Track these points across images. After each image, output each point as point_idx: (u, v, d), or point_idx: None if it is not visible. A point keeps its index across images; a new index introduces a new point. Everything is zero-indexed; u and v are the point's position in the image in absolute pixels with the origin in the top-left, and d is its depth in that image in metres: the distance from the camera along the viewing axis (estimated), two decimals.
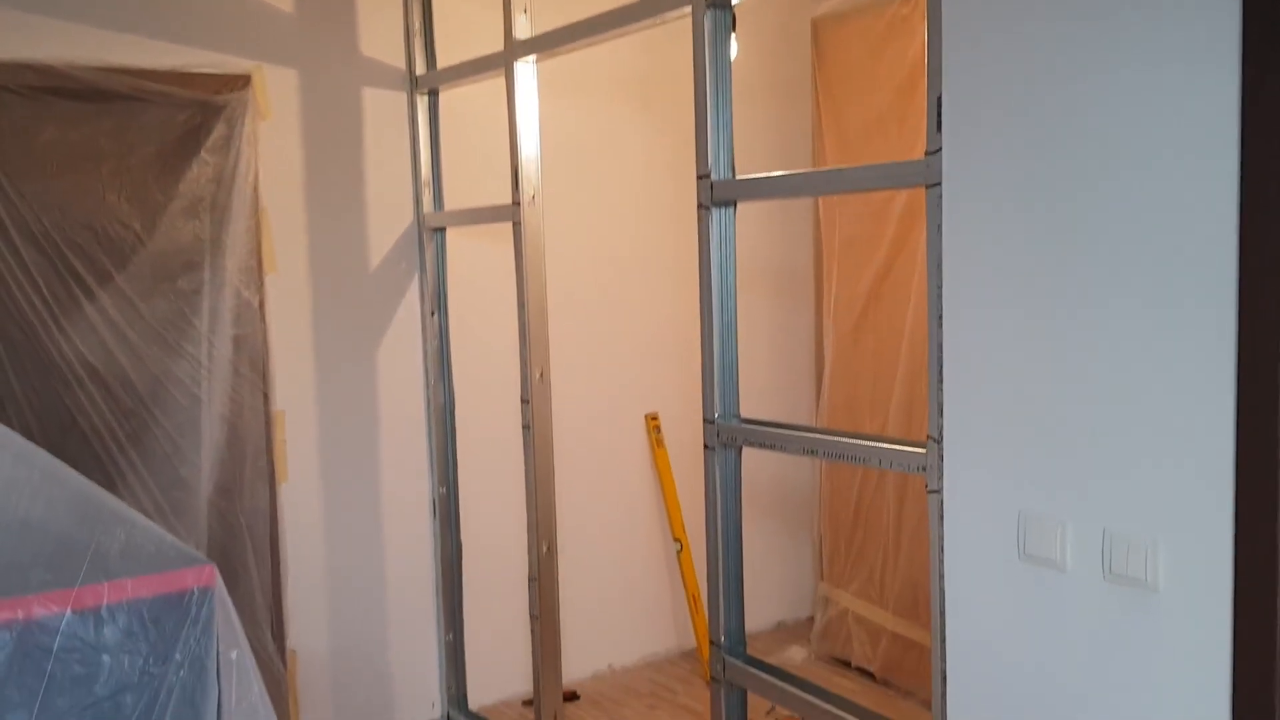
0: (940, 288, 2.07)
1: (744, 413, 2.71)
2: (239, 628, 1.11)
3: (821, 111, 4.38)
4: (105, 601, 1.00)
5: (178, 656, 1.03)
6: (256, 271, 3.55)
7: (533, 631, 3.51)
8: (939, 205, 2.05)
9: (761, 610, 4.81)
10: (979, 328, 2.01)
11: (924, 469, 2.16)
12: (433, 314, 3.93)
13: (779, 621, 4.93)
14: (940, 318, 2.07)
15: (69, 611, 0.97)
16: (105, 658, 1.00)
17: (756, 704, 3.74)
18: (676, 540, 4.51)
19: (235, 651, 1.10)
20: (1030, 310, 1.91)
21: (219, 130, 3.43)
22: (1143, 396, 1.74)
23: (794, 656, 4.49)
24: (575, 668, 4.31)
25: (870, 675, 4.25)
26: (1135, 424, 1.76)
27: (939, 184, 2.05)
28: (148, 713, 1.00)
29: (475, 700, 4.08)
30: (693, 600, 4.48)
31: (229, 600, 1.11)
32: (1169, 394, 1.71)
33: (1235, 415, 1.64)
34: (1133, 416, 1.76)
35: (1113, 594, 1.80)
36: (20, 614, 0.94)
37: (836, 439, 2.45)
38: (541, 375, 3.40)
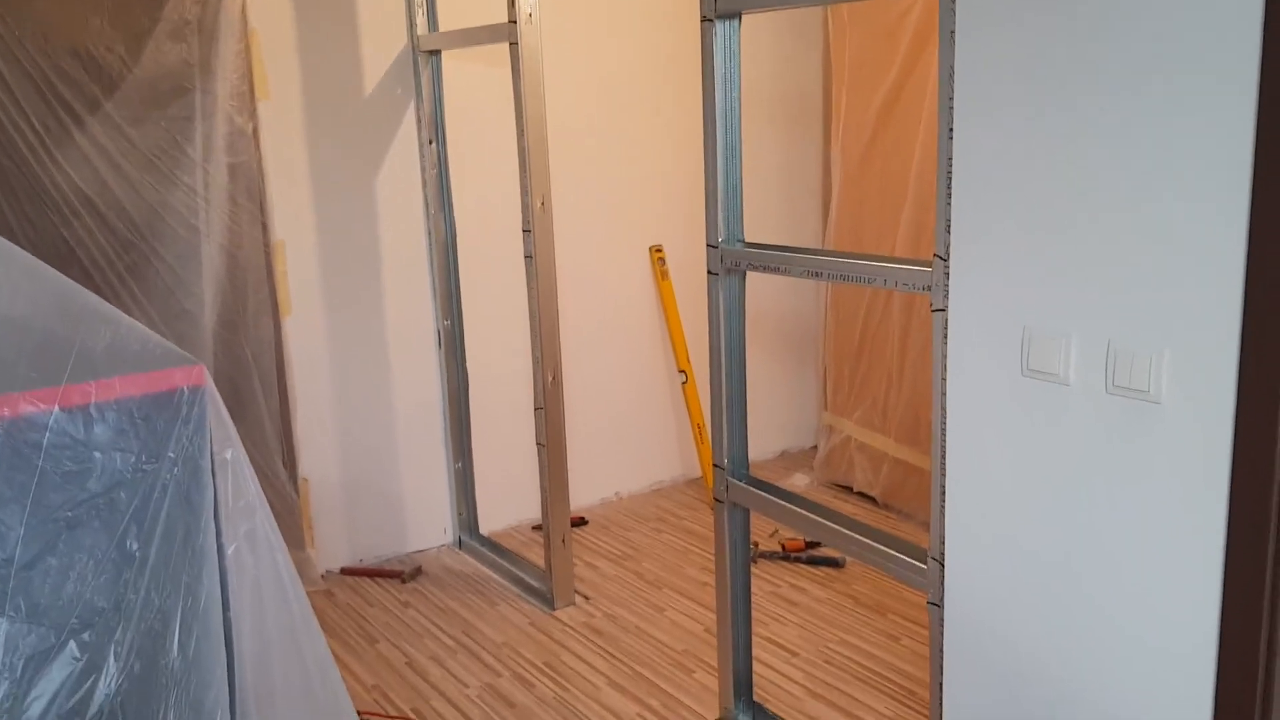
0: (951, 99, 2.00)
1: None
2: (232, 428, 1.11)
3: None
4: (94, 399, 0.99)
5: (171, 455, 1.03)
6: (249, 97, 3.46)
7: (540, 458, 3.56)
8: (952, 9, 1.96)
9: (766, 440, 4.88)
10: (989, 141, 1.95)
11: (929, 288, 2.13)
12: (431, 142, 3.85)
13: (783, 451, 5.00)
14: (950, 130, 2.01)
15: (57, 408, 0.96)
16: (97, 455, 1.00)
17: (760, 528, 3.82)
18: (681, 371, 4.53)
19: (230, 451, 1.10)
20: (1041, 122, 1.84)
21: None
22: (1153, 207, 1.70)
23: (797, 483, 4.57)
24: (583, 495, 4.39)
25: (872, 500, 4.34)
26: (1145, 235, 1.72)
27: None
28: (143, 509, 1.01)
29: (486, 526, 4.18)
30: (698, 430, 4.54)
31: (220, 401, 1.10)
32: (1180, 205, 1.67)
33: (1248, 225, 1.60)
34: (1142, 228, 1.72)
35: (1115, 407, 1.80)
36: (7, 411, 0.94)
37: (841, 259, 2.41)
38: (543, 204, 3.35)
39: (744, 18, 2.56)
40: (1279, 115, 1.54)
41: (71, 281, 1.04)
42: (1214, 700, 1.74)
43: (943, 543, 2.17)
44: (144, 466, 1.02)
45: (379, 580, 3.84)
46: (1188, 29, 1.62)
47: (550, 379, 3.47)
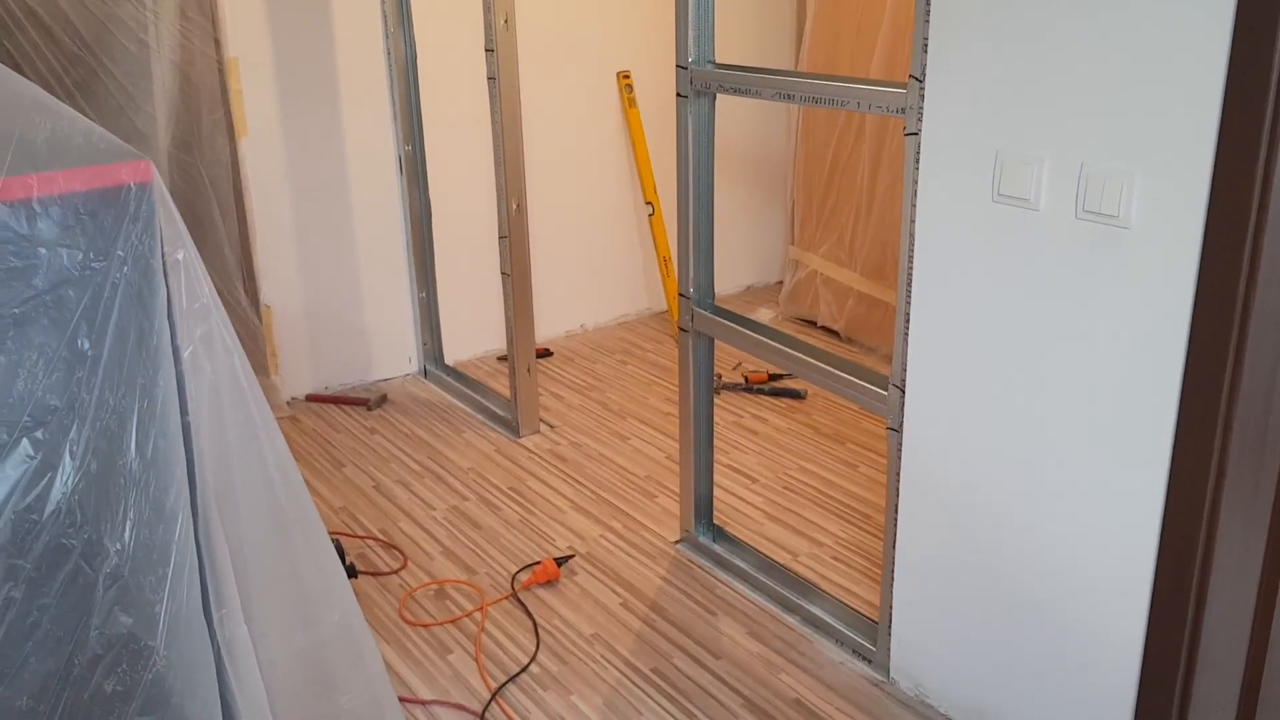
0: None
1: None
2: (183, 228, 1.07)
3: None
4: (36, 194, 0.95)
5: (120, 253, 0.99)
6: None
7: (505, 288, 3.53)
8: None
9: (732, 275, 4.87)
10: None
11: (903, 110, 2.09)
12: None
13: (748, 286, 5.00)
14: None
15: None
16: (42, 251, 0.96)
17: (724, 362, 3.85)
18: (648, 203, 4.48)
19: (182, 252, 1.06)
20: None
21: None
22: (1133, 28, 1.66)
23: (762, 316, 4.58)
24: (549, 328, 4.39)
25: (835, 334, 4.36)
26: (1123, 57, 1.68)
27: None
28: (93, 308, 0.98)
29: (451, 356, 4.18)
30: (664, 263, 4.51)
31: (169, 199, 1.06)
32: (1160, 28, 1.62)
33: (1229, 47, 1.56)
34: (1121, 49, 1.68)
35: (1084, 231, 1.79)
36: None
37: (815, 81, 2.35)
38: (507, 22, 3.23)
39: None
40: None
41: (5, 68, 0.99)
42: (1160, 524, 1.79)
43: (904, 369, 2.19)
44: (92, 264, 0.98)
45: (344, 407, 3.85)
46: None
47: (515, 207, 3.41)
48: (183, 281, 1.07)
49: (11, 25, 3.08)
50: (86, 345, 0.99)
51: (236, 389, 1.14)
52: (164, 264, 1.05)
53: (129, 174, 1.00)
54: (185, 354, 1.09)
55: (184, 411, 1.11)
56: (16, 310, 0.95)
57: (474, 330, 4.24)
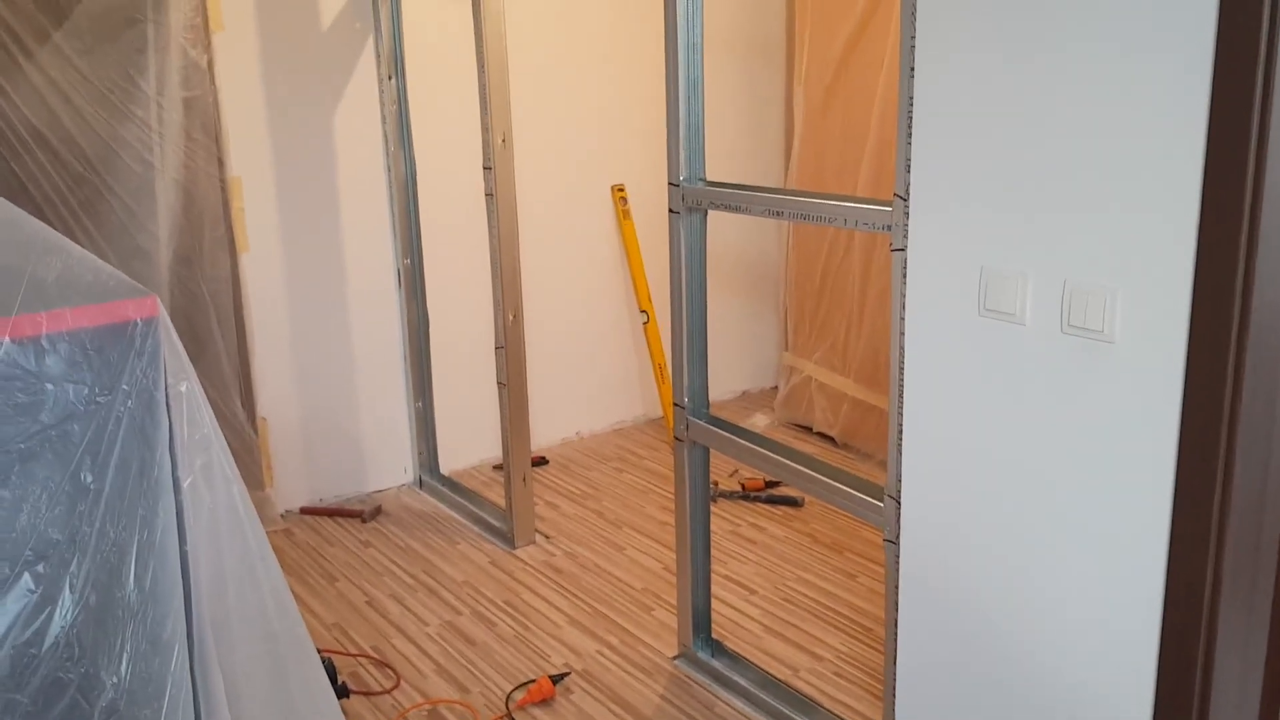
0: (913, 38, 1.99)
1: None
2: (186, 360, 1.10)
3: None
4: (45, 331, 0.98)
5: (125, 387, 1.02)
6: (203, 30, 3.38)
7: (501, 398, 3.56)
8: None
9: (727, 380, 4.90)
10: (950, 80, 1.94)
11: (889, 227, 2.14)
12: (390, 77, 3.78)
13: (743, 391, 5.03)
14: (912, 69, 2.01)
15: (7, 340, 0.95)
16: (49, 386, 0.98)
17: (720, 468, 3.86)
18: (643, 311, 4.53)
19: (184, 384, 1.09)
20: (1002, 61, 1.84)
21: None
22: (1111, 149, 1.71)
23: (757, 422, 4.61)
24: (545, 435, 4.41)
25: (830, 440, 4.38)
26: (1103, 176, 1.73)
27: None
28: (97, 441, 1.00)
29: (447, 465, 4.18)
30: (659, 370, 4.55)
31: (174, 333, 1.09)
32: (1138, 146, 1.68)
33: (1203, 166, 1.61)
34: (1100, 168, 1.73)
35: (1069, 346, 1.82)
36: None
37: (802, 199, 2.41)
38: (504, 140, 3.31)
39: None
40: (1234, 62, 1.55)
41: (21, 210, 1.02)
42: (1159, 636, 1.79)
43: (899, 481, 2.20)
44: (97, 399, 1.01)
45: (339, 520, 3.84)
46: None
47: (511, 318, 3.46)
48: (185, 413, 1.09)
49: (19, 148, 3.17)
50: (89, 478, 1.01)
51: (234, 518, 1.15)
52: (167, 396, 1.08)
53: (135, 310, 1.03)
54: (185, 484, 1.11)
55: (183, 541, 1.12)
56: (22, 445, 0.97)
57: (470, 439, 4.25)
